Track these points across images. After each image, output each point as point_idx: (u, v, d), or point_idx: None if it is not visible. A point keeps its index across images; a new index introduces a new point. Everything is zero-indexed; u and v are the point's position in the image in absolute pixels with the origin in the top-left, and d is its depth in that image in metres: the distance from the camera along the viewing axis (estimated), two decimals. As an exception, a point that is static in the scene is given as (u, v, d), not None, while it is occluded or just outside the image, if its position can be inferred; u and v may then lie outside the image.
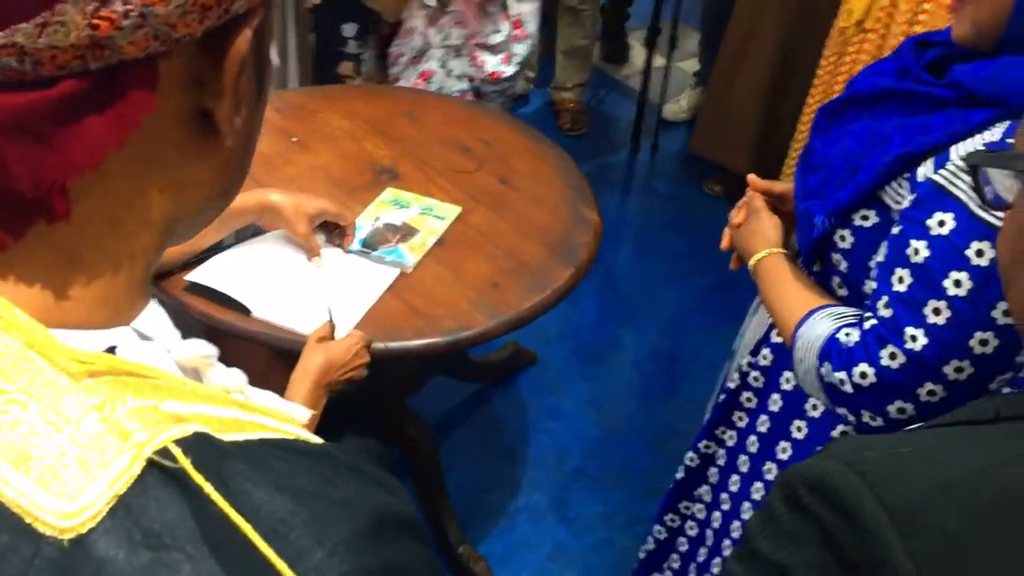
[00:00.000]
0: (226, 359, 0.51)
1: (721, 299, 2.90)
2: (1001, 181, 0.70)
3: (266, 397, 0.57)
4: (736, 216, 1.38)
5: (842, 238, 1.14)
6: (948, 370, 1.01)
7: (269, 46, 0.49)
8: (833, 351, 1.11)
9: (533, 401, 2.64)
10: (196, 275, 1.57)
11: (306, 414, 1.17)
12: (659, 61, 3.58)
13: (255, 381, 0.54)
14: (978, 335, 0.98)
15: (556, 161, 2.09)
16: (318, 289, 1.62)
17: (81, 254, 0.45)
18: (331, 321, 1.43)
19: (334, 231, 1.73)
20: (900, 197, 1.06)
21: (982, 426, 0.61)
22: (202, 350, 0.49)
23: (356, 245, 1.76)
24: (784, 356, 1.32)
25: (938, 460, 0.58)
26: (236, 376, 0.51)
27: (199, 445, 0.40)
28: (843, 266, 1.17)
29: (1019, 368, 1.00)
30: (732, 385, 1.46)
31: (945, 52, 1.08)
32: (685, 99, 3.85)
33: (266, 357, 1.88)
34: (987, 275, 0.95)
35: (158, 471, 0.39)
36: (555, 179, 2.03)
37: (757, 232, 1.32)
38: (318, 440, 0.46)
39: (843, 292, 1.21)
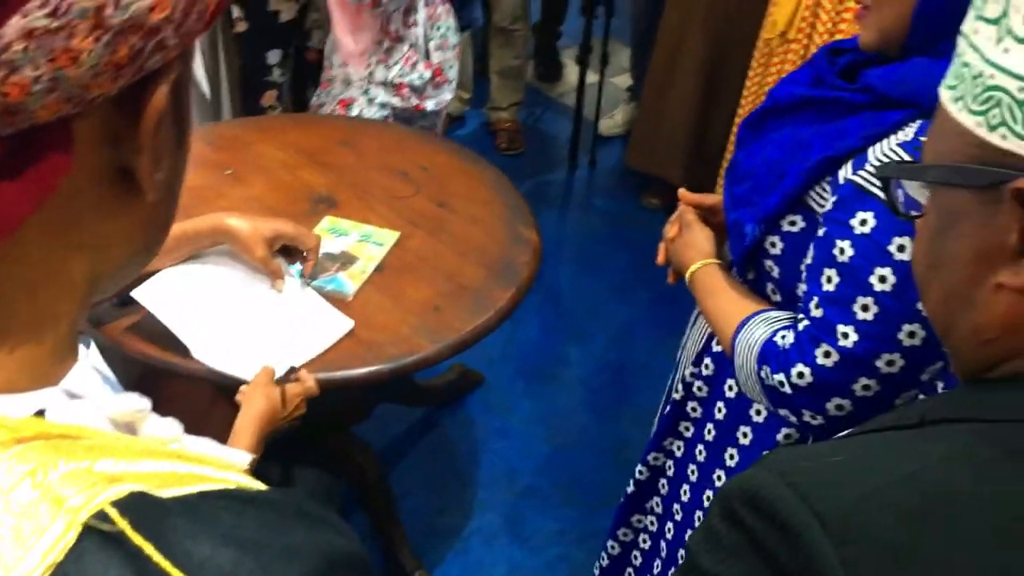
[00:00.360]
0: (167, 397, 0.50)
1: (664, 311, 2.93)
2: (912, 190, 0.73)
3: (204, 445, 0.56)
4: (670, 230, 1.40)
5: (772, 244, 1.17)
6: (880, 364, 1.04)
7: (188, 98, 0.49)
8: (771, 354, 1.14)
9: (481, 422, 2.64)
10: (139, 293, 1.50)
11: (246, 459, 1.16)
12: (592, 78, 3.62)
13: (198, 419, 0.54)
14: (906, 328, 1.01)
15: (493, 182, 2.10)
16: (265, 329, 1.57)
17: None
18: (286, 372, 1.42)
19: (295, 256, 1.67)
20: (824, 200, 1.09)
21: (909, 431, 0.62)
22: (135, 404, 0.48)
23: (295, 276, 1.74)
24: (726, 364, 1.34)
25: (869, 467, 0.59)
26: (171, 426, 0.50)
27: (137, 504, 0.39)
28: (776, 272, 1.20)
29: (948, 358, 1.03)
30: (677, 396, 1.47)
31: (856, 58, 1.12)
32: (620, 114, 3.89)
33: (209, 394, 1.85)
34: (910, 269, 0.99)
35: (96, 535, 0.38)
36: (492, 200, 2.04)
37: (691, 245, 1.34)
38: (261, 486, 0.45)
39: (777, 298, 1.24)
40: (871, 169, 1.01)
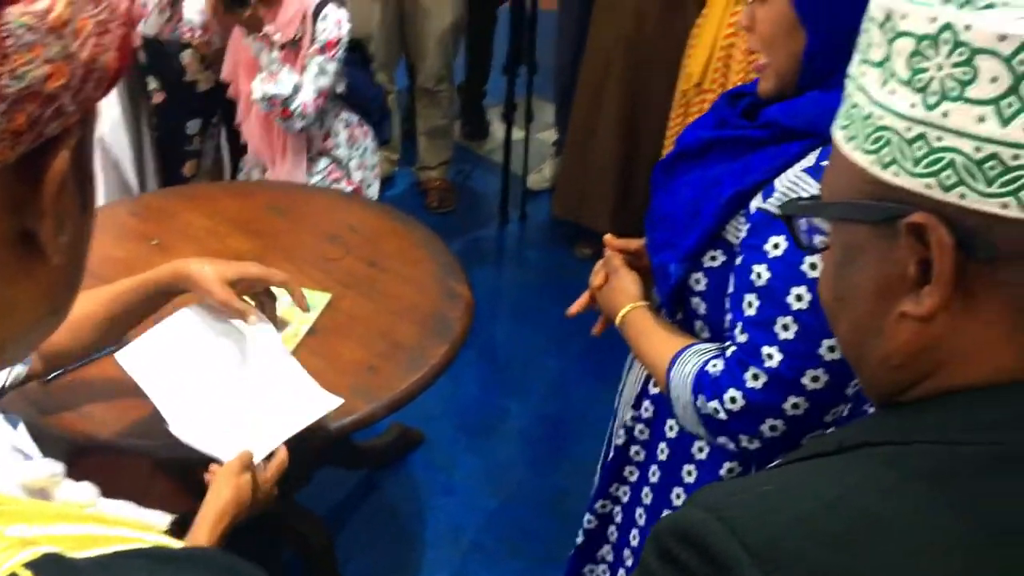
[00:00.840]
0: (105, 468, 0.50)
1: (600, 360, 2.95)
2: (816, 221, 0.76)
3: (122, 508, 0.56)
4: (596, 278, 1.43)
5: (697, 282, 1.21)
6: (806, 381, 1.08)
7: (91, 160, 0.49)
8: (704, 382, 1.17)
9: (424, 480, 2.62)
10: (122, 357, 1.44)
11: (166, 519, 1.13)
12: (519, 134, 3.68)
13: (138, 491, 0.53)
14: (826, 343, 1.06)
15: (423, 240, 2.12)
16: (246, 403, 1.46)
17: None
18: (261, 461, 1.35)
19: (265, 302, 1.52)
20: (740, 232, 1.13)
21: (831, 457, 0.64)
22: (47, 470, 0.48)
23: (269, 331, 1.69)
24: (664, 406, 1.36)
25: (795, 496, 0.61)
26: (87, 491, 0.50)
27: (50, 565, 0.39)
28: (702, 309, 1.24)
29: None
30: (619, 441, 1.49)
31: (756, 100, 1.18)
32: (547, 168, 3.96)
33: (149, 466, 1.81)
34: None
35: None
36: (423, 258, 2.05)
37: (619, 289, 1.38)
38: (181, 544, 0.46)
39: (706, 334, 1.27)
40: (779, 196, 1.06)
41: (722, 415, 1.14)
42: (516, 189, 3.73)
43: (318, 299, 1.87)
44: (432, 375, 1.73)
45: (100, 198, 2.43)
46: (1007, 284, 0.57)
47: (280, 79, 2.28)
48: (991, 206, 0.55)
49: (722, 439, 1.18)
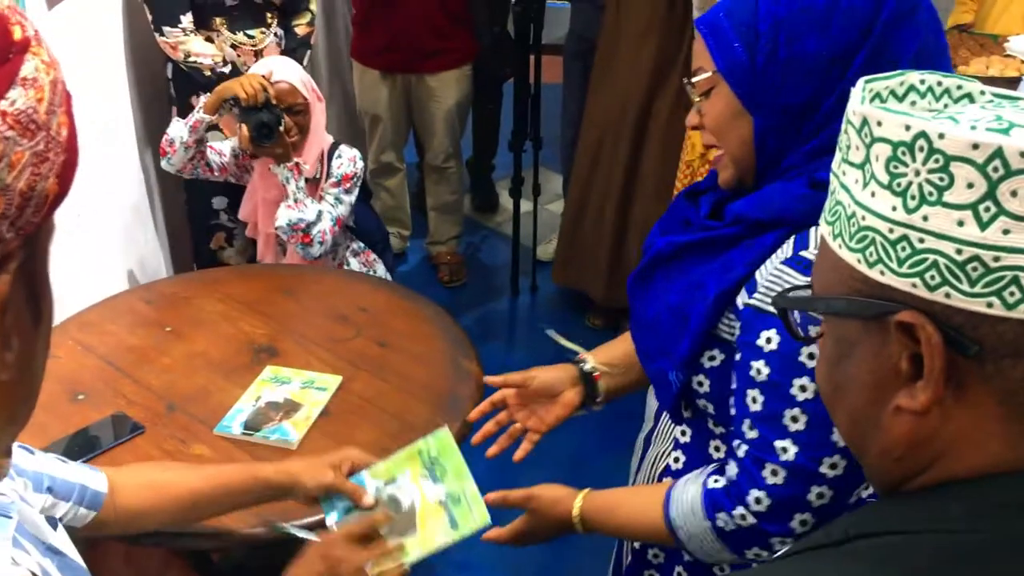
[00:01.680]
0: (121, 556, 0.50)
1: (617, 433, 2.93)
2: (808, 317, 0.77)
3: None
4: (509, 535, 1.41)
5: (700, 384, 1.18)
6: (825, 470, 1.05)
7: (43, 277, 0.51)
8: (718, 498, 1.13)
9: (438, 558, 2.59)
10: None
11: None
12: (527, 206, 3.72)
13: None
14: (837, 430, 1.03)
15: (433, 317, 2.14)
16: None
17: None
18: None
19: None
20: (733, 328, 1.12)
21: (834, 548, 0.64)
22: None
23: (239, 429, 1.74)
24: (673, 553, 1.32)
25: None
26: None
27: None
28: (711, 408, 1.21)
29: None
30: (636, 545, 1.44)
31: (718, 197, 1.18)
32: (558, 234, 3.99)
33: (162, 556, 1.81)
34: None
35: None
36: (433, 335, 2.07)
37: (549, 511, 1.36)
38: None
39: (720, 430, 1.23)
40: (763, 290, 1.05)
41: (751, 519, 1.10)
42: (527, 261, 3.76)
43: (330, 381, 1.88)
44: (444, 454, 1.72)
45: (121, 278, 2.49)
46: (995, 379, 0.58)
47: (305, 206, 2.41)
48: (976, 305, 0.56)
49: (754, 550, 1.13)
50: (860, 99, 0.63)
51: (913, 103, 0.65)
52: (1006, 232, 0.55)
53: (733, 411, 1.14)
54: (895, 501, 0.67)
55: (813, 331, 0.75)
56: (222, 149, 2.52)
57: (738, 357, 1.10)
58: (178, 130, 2.40)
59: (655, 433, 1.37)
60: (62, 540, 0.53)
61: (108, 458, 1.68)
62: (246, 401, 1.82)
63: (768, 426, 1.07)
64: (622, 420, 1.44)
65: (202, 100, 2.41)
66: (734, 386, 1.12)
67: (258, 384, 1.87)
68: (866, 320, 0.62)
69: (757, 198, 1.09)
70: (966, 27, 3.50)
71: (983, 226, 0.55)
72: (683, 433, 1.26)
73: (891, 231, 0.59)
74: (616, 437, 1.46)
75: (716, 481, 1.15)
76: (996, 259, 0.55)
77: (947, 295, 0.57)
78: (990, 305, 0.56)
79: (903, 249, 0.58)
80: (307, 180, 2.47)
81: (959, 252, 0.56)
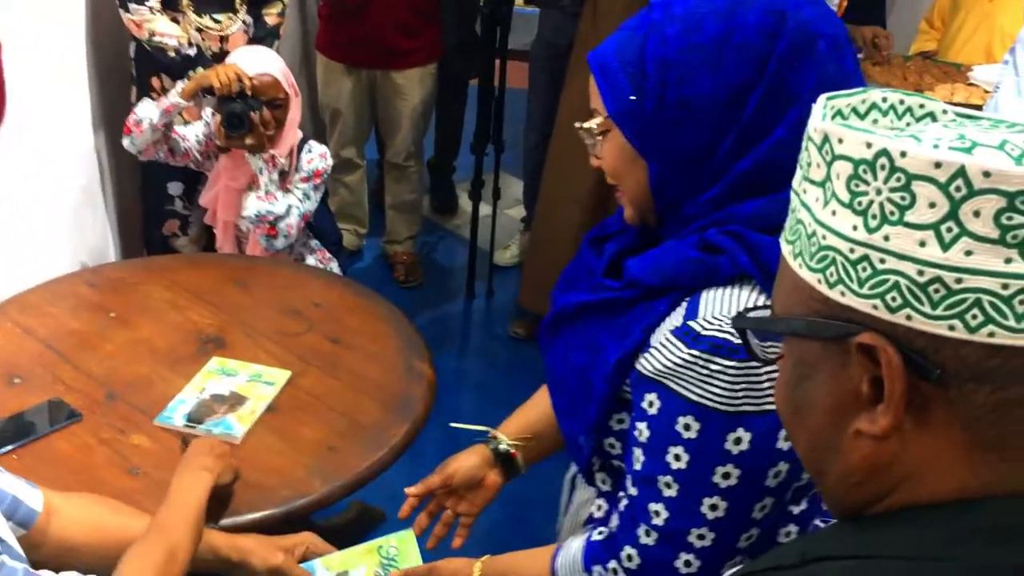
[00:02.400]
0: None
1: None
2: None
3: None
4: None
5: (611, 446, 1.15)
6: (692, 539, 1.04)
7: None
8: (596, 551, 1.13)
9: (384, 562, 2.55)
10: None
11: None
12: (487, 210, 3.70)
13: None
14: (707, 501, 1.02)
15: (388, 316, 2.10)
16: None
17: None
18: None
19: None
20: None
21: (792, 570, 0.62)
22: None
23: (181, 420, 1.69)
24: None
25: None
26: None
27: None
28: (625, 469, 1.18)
29: (779, 493, 1.04)
30: None
31: (618, 248, 1.14)
32: (515, 244, 3.97)
33: None
34: (699, 445, 0.99)
35: None
36: (387, 334, 2.03)
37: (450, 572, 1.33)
38: None
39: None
40: (650, 355, 1.02)
41: (621, 575, 1.10)
42: (483, 265, 3.73)
43: (278, 376, 1.84)
44: (392, 455, 1.70)
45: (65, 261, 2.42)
46: (958, 403, 0.57)
47: (276, 199, 2.39)
48: (938, 328, 0.55)
49: None
50: (821, 116, 0.61)
51: (875, 121, 0.64)
52: (968, 253, 0.53)
53: (624, 463, 1.12)
54: (855, 526, 0.65)
55: (772, 353, 0.73)
56: (185, 134, 2.47)
57: (633, 415, 1.08)
58: (148, 111, 2.35)
59: (579, 477, 1.34)
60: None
61: (43, 445, 1.63)
62: (190, 392, 1.77)
63: (645, 487, 1.06)
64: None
65: (178, 86, 2.37)
66: (628, 441, 1.11)
67: (203, 375, 1.82)
68: (826, 342, 0.61)
69: (651, 260, 1.05)
70: (930, 55, 3.56)
71: (945, 247, 0.54)
72: (603, 481, 1.22)
73: (852, 251, 0.57)
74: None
75: (600, 533, 1.15)
76: (958, 281, 0.54)
77: (908, 317, 0.56)
78: (952, 328, 0.55)
79: (864, 269, 0.57)
80: (279, 172, 2.44)
81: (921, 273, 0.55)
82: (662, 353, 1.00)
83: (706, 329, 0.96)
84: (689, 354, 0.97)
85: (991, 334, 0.54)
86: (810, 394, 0.64)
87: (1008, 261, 0.53)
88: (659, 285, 1.03)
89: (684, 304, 1.02)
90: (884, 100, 0.64)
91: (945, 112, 0.63)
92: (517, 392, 3.25)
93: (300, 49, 3.77)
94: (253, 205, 2.37)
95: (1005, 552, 0.56)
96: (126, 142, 2.39)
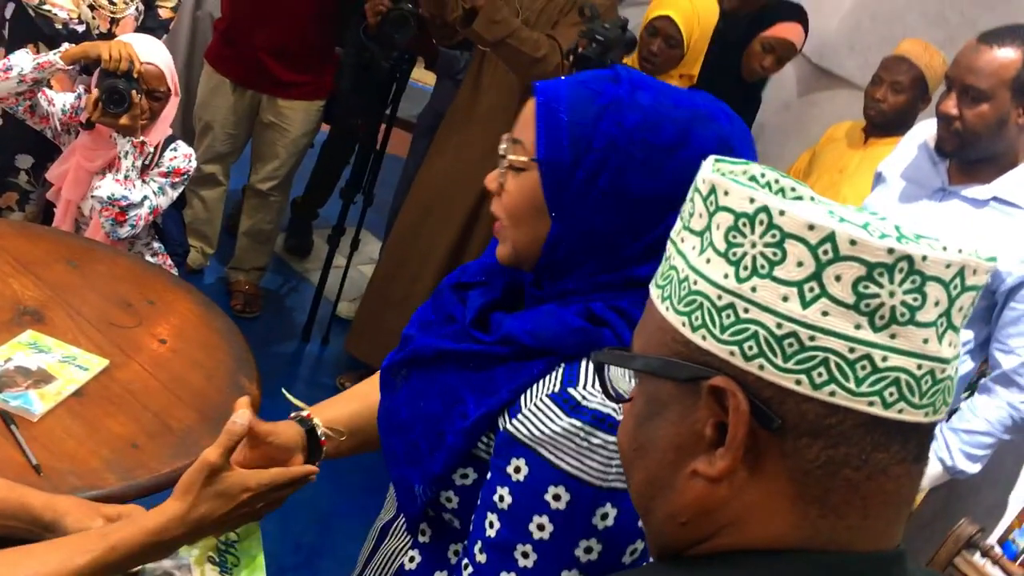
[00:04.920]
0: None
1: (374, 503, 2.86)
2: (619, 378, 0.78)
3: None
4: None
5: (448, 500, 1.11)
6: None
7: None
8: None
9: None
10: None
11: None
12: (340, 261, 3.66)
13: None
14: (564, 574, 0.99)
15: (224, 331, 2.03)
16: None
17: None
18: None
19: None
20: (491, 448, 1.05)
21: None
22: None
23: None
24: None
25: None
26: None
27: None
28: (456, 524, 1.13)
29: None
30: None
31: (485, 300, 1.10)
32: (360, 300, 3.93)
33: None
34: (567, 517, 0.97)
35: None
36: (219, 348, 1.96)
37: None
38: None
39: (459, 546, 1.15)
40: (522, 418, 0.99)
41: None
42: (325, 312, 3.67)
43: (94, 362, 1.74)
44: (199, 465, 1.61)
45: None
46: (791, 456, 0.60)
47: (134, 186, 2.33)
48: (786, 381, 0.59)
49: None
50: (711, 169, 0.65)
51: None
52: (825, 314, 0.57)
53: (472, 528, 1.07)
54: (672, 564, 0.67)
55: (624, 392, 0.75)
56: (53, 98, 2.36)
57: (488, 476, 1.04)
58: (23, 60, 2.24)
59: (394, 525, 1.26)
60: None
61: None
62: (-8, 358, 1.64)
63: (498, 555, 1.01)
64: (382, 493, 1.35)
65: (63, 46, 2.27)
66: (479, 501, 1.06)
67: (12, 345, 1.70)
68: (680, 382, 0.64)
69: (528, 321, 1.02)
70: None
71: (805, 304, 0.58)
72: (423, 532, 1.17)
73: (719, 298, 0.61)
74: (373, 508, 1.38)
75: None
76: (812, 338, 0.58)
77: (761, 367, 0.59)
78: (798, 382, 0.58)
79: (728, 316, 0.60)
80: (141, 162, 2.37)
81: (779, 326, 0.58)
82: (538, 418, 0.97)
83: (588, 400, 0.95)
84: (569, 423, 0.95)
85: (832, 393, 0.58)
86: (656, 432, 0.66)
87: (857, 327, 0.57)
88: (536, 348, 1.00)
89: (561, 368, 0.99)
90: (763, 175, 0.68)
91: (812, 199, 0.69)
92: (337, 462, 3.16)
93: (185, 53, 3.69)
94: (109, 187, 2.28)
95: None
96: None
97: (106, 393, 1.69)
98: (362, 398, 1.34)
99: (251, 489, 1.12)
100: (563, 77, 1.05)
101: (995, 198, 2.06)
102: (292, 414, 1.29)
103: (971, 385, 2.30)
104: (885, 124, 2.83)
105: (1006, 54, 1.94)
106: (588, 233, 0.99)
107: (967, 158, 2.09)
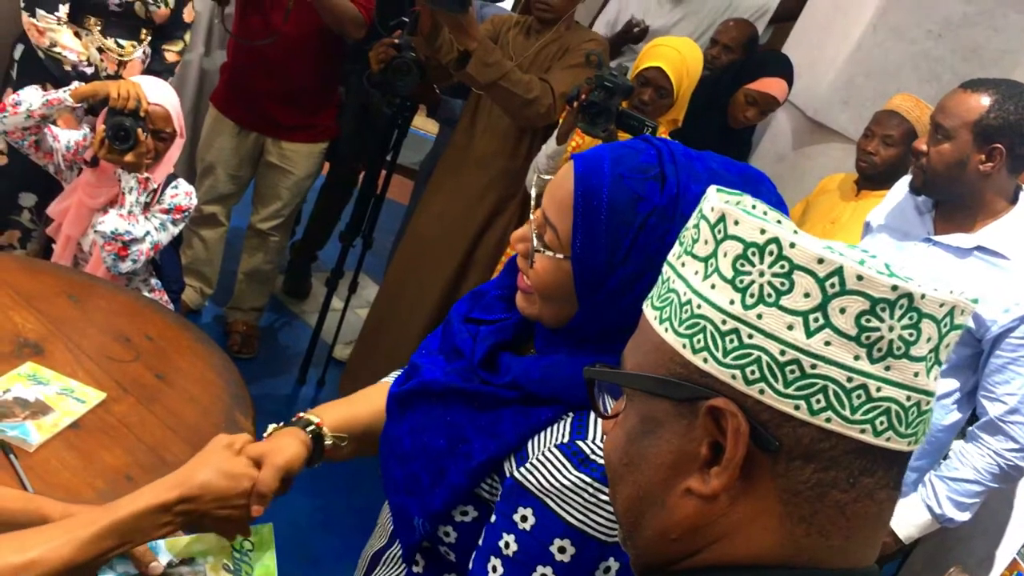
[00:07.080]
0: None
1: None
2: (609, 393, 0.80)
3: None
4: None
5: (446, 534, 1.11)
6: None
7: None
8: None
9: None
10: None
11: None
12: (338, 304, 3.68)
13: None
14: None
15: (220, 367, 2.05)
16: None
17: None
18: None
19: None
20: (495, 491, 1.06)
21: None
22: None
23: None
24: None
25: None
26: None
27: None
28: (452, 557, 1.14)
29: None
30: None
31: (497, 339, 1.11)
32: (355, 342, 3.95)
33: None
34: (571, 569, 0.97)
35: None
36: (215, 384, 1.98)
37: None
38: None
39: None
40: (530, 466, 1.00)
41: None
42: (321, 355, 3.69)
43: (91, 395, 1.75)
44: (192, 499, 1.62)
45: None
46: (783, 477, 0.62)
47: (137, 222, 2.37)
48: (785, 405, 0.61)
49: None
50: (719, 199, 0.68)
51: None
52: (827, 344, 0.60)
53: (472, 567, 1.07)
54: None
55: (612, 408, 0.76)
56: (58, 135, 2.40)
57: (493, 519, 1.04)
58: (32, 96, 2.29)
59: (386, 554, 1.27)
60: None
61: None
62: (-7, 389, 1.66)
63: None
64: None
65: (73, 85, 2.32)
66: (480, 542, 1.07)
67: (11, 376, 1.72)
68: (678, 402, 0.65)
69: (537, 370, 1.02)
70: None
71: (809, 334, 0.60)
72: (416, 563, 1.18)
73: (724, 323, 0.62)
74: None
75: None
76: (813, 366, 0.60)
77: (761, 391, 0.61)
78: (797, 408, 0.60)
79: (731, 341, 0.62)
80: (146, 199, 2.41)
81: (783, 353, 0.60)
82: (547, 469, 0.98)
83: (597, 456, 0.95)
84: (578, 478, 0.96)
85: (828, 419, 0.60)
86: (648, 449, 0.67)
87: (856, 358, 0.60)
88: (544, 396, 1.01)
89: (570, 418, 1.00)
90: (754, 207, 0.71)
91: (796, 232, 0.72)
92: (324, 484, 3.19)
93: (193, 99, 3.75)
94: (112, 222, 2.32)
95: None
96: None
97: (102, 425, 1.70)
98: (367, 402, 1.34)
99: (254, 479, 1.16)
100: (602, 152, 1.01)
101: (979, 247, 2.09)
102: (295, 416, 1.28)
103: (963, 433, 2.32)
104: (877, 177, 2.88)
105: (976, 99, 2.00)
106: (617, 321, 0.98)
107: (933, 196, 2.17)
